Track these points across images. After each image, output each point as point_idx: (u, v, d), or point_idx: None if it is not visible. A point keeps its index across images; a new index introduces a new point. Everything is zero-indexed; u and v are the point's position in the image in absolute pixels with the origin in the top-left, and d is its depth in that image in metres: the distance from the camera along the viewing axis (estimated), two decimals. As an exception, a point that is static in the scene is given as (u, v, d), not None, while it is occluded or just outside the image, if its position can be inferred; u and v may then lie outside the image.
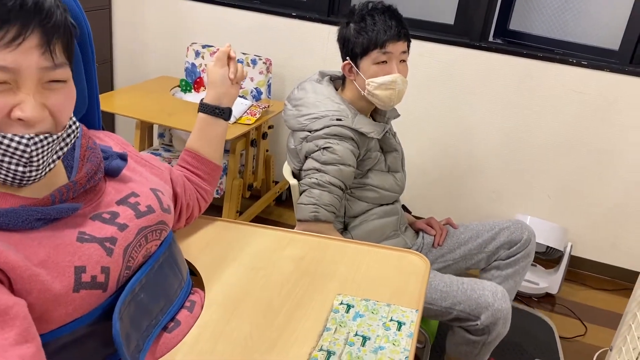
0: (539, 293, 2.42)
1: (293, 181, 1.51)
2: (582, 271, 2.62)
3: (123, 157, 0.83)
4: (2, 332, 0.56)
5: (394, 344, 0.77)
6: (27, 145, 0.63)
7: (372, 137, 1.47)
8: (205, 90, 2.63)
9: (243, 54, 2.57)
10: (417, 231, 1.72)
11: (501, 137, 2.49)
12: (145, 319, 0.75)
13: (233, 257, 0.98)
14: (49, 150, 0.66)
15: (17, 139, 0.62)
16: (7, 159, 0.63)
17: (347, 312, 0.84)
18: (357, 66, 1.45)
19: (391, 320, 0.82)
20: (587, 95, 2.32)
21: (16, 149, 0.62)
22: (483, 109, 2.46)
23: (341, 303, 0.86)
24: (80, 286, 0.66)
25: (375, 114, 1.58)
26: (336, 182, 1.41)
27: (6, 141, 0.62)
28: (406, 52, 1.46)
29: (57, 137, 0.67)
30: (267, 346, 0.77)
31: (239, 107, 2.30)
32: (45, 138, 0.65)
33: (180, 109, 2.35)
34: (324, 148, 1.41)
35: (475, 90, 2.44)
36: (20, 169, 0.64)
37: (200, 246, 1.01)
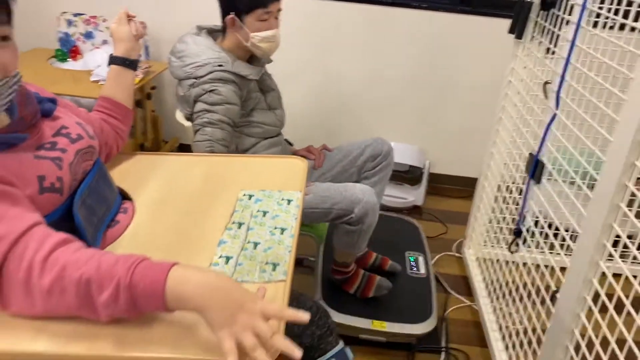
0: (407, 206, 2.86)
1: (187, 124, 1.73)
2: (440, 185, 3.11)
3: (53, 101, 1.01)
4: (14, 206, 0.77)
5: (286, 213, 1.06)
6: None
7: (251, 78, 1.72)
8: (82, 58, 2.70)
9: (117, 19, 2.65)
10: (299, 158, 2.02)
11: (364, 78, 2.85)
12: (94, 217, 0.96)
13: (152, 178, 1.20)
14: (2, 92, 0.83)
15: None
16: None
17: (250, 199, 1.11)
18: (241, 20, 1.67)
19: (282, 199, 1.10)
20: (429, 34, 2.73)
21: None
22: (345, 55, 2.80)
23: (244, 195, 1.13)
24: (44, 190, 0.86)
25: (251, 59, 1.83)
26: (225, 119, 1.65)
27: None
28: (280, 9, 1.72)
29: (7, 82, 0.84)
30: (194, 225, 1.02)
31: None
32: None
33: (62, 77, 2.42)
34: (210, 91, 1.63)
35: (335, 38, 2.76)
36: None
37: (123, 173, 1.22)
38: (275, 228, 1.00)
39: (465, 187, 3.05)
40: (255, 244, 0.96)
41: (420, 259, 2.19)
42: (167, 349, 0.73)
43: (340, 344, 1.26)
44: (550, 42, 1.75)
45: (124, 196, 1.13)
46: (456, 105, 2.89)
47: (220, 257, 0.92)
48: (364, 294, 1.92)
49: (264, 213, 1.05)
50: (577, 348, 1.33)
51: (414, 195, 2.87)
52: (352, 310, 1.86)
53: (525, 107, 1.97)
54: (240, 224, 1.02)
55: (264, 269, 0.89)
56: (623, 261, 1.21)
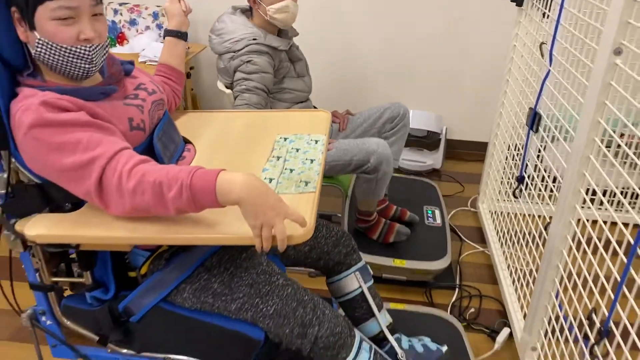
0: (426, 169, 3.09)
1: (228, 91, 2.01)
2: (457, 150, 3.33)
3: (132, 64, 1.30)
4: (112, 136, 1.05)
5: (314, 149, 1.32)
6: (89, 51, 1.08)
7: (281, 49, 1.98)
8: (127, 43, 3.00)
9: (157, 6, 2.94)
10: (325, 121, 2.28)
11: (384, 48, 3.08)
12: (167, 151, 1.24)
13: (205, 128, 1.48)
14: (99, 54, 1.11)
15: (84, 48, 1.08)
16: (79, 60, 1.08)
17: (285, 141, 1.37)
18: None
19: (311, 140, 1.37)
20: (446, 3, 2.93)
21: (84, 53, 1.07)
22: (365, 26, 3.03)
23: (280, 137, 1.39)
24: (132, 128, 1.14)
25: (280, 33, 2.09)
26: (260, 86, 1.91)
27: (78, 50, 1.07)
28: None
29: (101, 46, 1.12)
30: (242, 160, 1.29)
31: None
32: (97, 46, 1.10)
33: (112, 59, 2.72)
34: (247, 62, 1.90)
35: (355, 10, 3.00)
36: (87, 66, 1.09)
37: (181, 125, 1.49)
38: (307, 159, 1.27)
39: (480, 151, 3.26)
40: (291, 170, 1.22)
41: (437, 212, 2.43)
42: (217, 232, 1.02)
43: (363, 261, 1.52)
44: (545, 7, 1.96)
45: (186, 141, 1.41)
46: (471, 73, 3.10)
47: (265, 178, 1.19)
48: (386, 239, 2.18)
49: (297, 150, 1.32)
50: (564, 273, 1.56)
51: (432, 159, 3.10)
52: (375, 252, 2.12)
53: (529, 69, 2.18)
54: (278, 157, 1.29)
55: (298, 185, 1.16)
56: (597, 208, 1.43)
